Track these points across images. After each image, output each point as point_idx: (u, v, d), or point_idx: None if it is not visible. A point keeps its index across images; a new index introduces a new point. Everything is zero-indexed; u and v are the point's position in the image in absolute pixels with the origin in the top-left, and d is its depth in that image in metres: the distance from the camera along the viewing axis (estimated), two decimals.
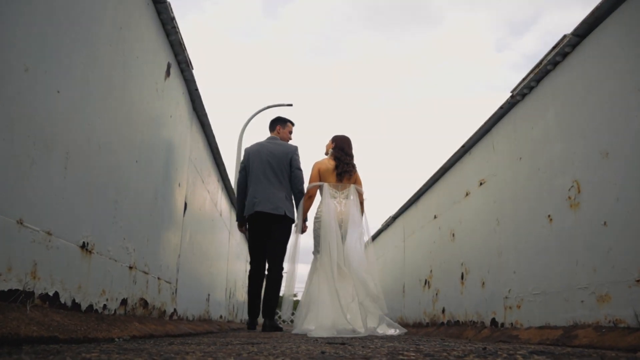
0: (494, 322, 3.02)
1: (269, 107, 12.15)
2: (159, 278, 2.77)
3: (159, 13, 2.53)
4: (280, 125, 4.47)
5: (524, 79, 2.74)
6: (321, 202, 4.07)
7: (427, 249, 4.79)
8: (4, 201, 1.26)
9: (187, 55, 2.96)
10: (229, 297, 6.57)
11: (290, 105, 12.14)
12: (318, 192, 4.12)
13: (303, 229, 4.20)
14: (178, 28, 2.71)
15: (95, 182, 1.83)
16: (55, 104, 1.50)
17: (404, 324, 5.24)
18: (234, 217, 4.83)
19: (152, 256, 2.60)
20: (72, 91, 1.61)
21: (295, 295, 4.46)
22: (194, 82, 3.26)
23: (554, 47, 2.43)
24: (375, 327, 3.54)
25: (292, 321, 4.17)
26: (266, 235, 4.15)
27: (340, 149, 4.16)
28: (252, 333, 3.55)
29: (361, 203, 4.13)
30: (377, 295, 3.68)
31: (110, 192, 1.99)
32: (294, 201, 4.25)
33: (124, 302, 2.17)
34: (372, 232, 7.55)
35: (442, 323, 4.07)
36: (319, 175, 4.09)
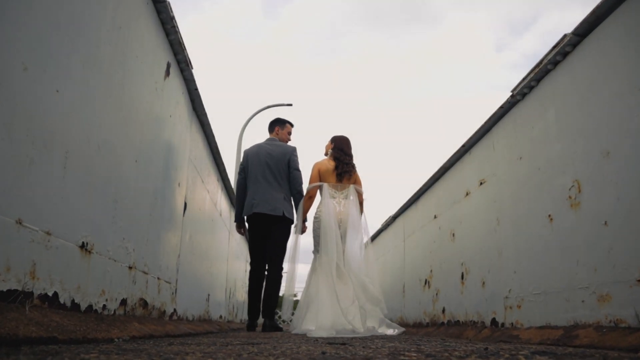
0: (494, 322, 3.01)
1: (268, 107, 12.15)
2: (158, 278, 2.76)
3: (158, 12, 2.52)
4: (278, 126, 4.48)
5: (524, 79, 2.74)
6: (320, 202, 4.08)
7: (427, 249, 4.79)
8: (2, 201, 1.25)
9: (187, 54, 2.96)
10: (229, 297, 6.57)
11: (290, 105, 12.14)
12: (318, 192, 4.12)
13: (303, 230, 4.21)
14: (178, 27, 2.70)
15: (94, 181, 1.82)
16: (55, 104, 1.50)
17: (404, 324, 5.24)
18: (233, 217, 4.83)
19: (151, 256, 2.60)
20: (71, 91, 1.60)
21: (295, 295, 4.46)
22: (194, 81, 3.25)
23: (554, 47, 2.42)
24: (374, 327, 3.54)
25: (291, 321, 4.16)
26: (266, 236, 4.16)
27: (340, 149, 4.17)
28: (252, 333, 3.54)
29: (360, 203, 4.13)
30: (377, 297, 3.68)
31: (109, 192, 1.99)
32: (292, 202, 4.25)
33: (123, 302, 2.17)
34: (372, 232, 7.55)
35: (443, 323, 4.06)
36: (319, 175, 4.10)
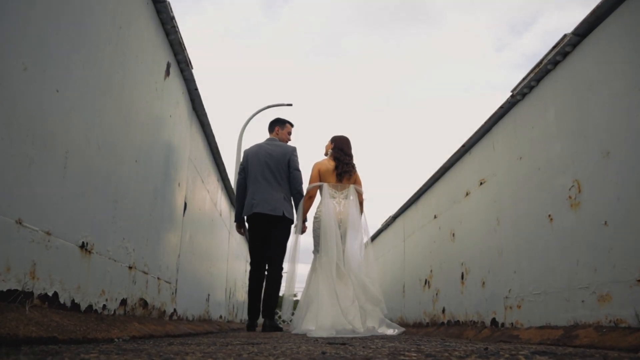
0: (494, 322, 3.01)
1: (268, 106, 12.15)
2: (158, 278, 2.76)
3: (158, 12, 2.52)
4: (278, 126, 4.48)
5: (524, 79, 2.74)
6: (320, 202, 4.09)
7: (427, 249, 4.79)
8: (2, 201, 1.25)
9: (187, 54, 2.96)
10: (229, 297, 6.57)
11: (290, 105, 12.14)
12: (318, 192, 4.13)
13: (303, 230, 4.21)
14: (177, 27, 2.70)
15: (94, 181, 1.82)
16: (55, 104, 1.50)
17: (404, 324, 5.24)
18: (233, 217, 4.84)
19: (151, 256, 2.60)
20: (71, 90, 1.60)
21: (295, 295, 4.46)
22: (194, 81, 3.25)
23: (554, 47, 2.42)
24: (374, 327, 3.54)
25: (291, 321, 4.16)
26: (266, 237, 4.16)
27: (340, 149, 4.17)
28: (252, 333, 3.54)
29: (360, 203, 4.13)
30: (377, 298, 3.68)
31: (109, 192, 1.99)
32: (293, 202, 4.25)
33: (123, 302, 2.16)
34: (372, 232, 7.55)
35: (442, 323, 4.06)
36: (319, 175, 4.10)
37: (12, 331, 1.12)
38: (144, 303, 2.49)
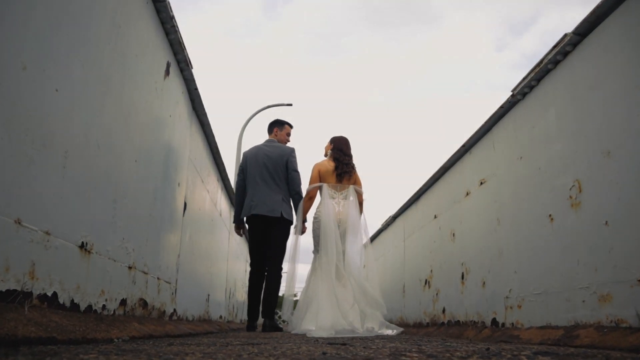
0: (494, 322, 3.01)
1: (268, 106, 12.14)
2: (158, 278, 2.76)
3: (158, 12, 2.52)
4: (277, 127, 4.49)
5: (524, 78, 2.73)
6: (320, 202, 4.09)
7: (427, 249, 4.79)
8: (1, 200, 1.25)
9: (187, 54, 2.95)
10: (229, 297, 6.57)
11: (290, 105, 12.14)
12: (318, 193, 4.13)
13: (302, 230, 4.21)
14: (177, 27, 2.70)
15: (94, 181, 1.82)
16: (54, 103, 1.49)
17: (404, 324, 5.23)
18: (233, 217, 4.84)
19: (151, 256, 2.59)
20: (70, 90, 1.60)
21: (295, 295, 4.46)
22: (194, 81, 3.25)
23: (554, 46, 2.42)
24: (373, 328, 3.54)
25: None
26: (265, 238, 4.17)
27: (339, 149, 4.18)
28: (252, 333, 3.54)
29: (360, 203, 4.14)
30: (377, 301, 3.67)
31: (109, 192, 1.98)
32: (292, 203, 4.26)
33: (123, 302, 2.16)
34: (372, 232, 7.55)
35: (443, 323, 4.06)
36: (319, 176, 4.10)
37: (11, 331, 1.11)
38: (144, 303, 2.48)
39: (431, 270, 4.62)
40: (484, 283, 3.27)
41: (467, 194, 3.71)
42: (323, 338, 2.76)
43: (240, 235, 4.64)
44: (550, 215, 2.46)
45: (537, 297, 2.53)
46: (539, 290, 2.52)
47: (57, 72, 1.50)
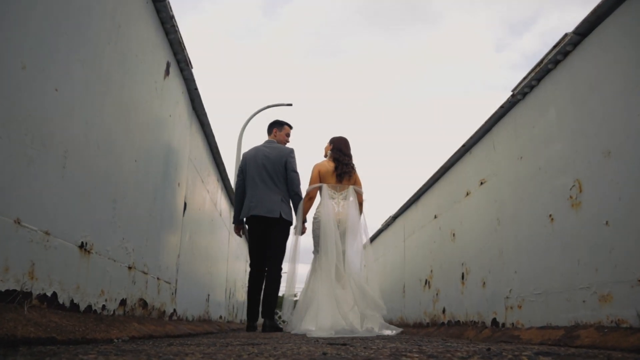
0: (494, 322, 3.01)
1: (268, 106, 12.14)
2: (158, 278, 2.75)
3: (158, 11, 2.52)
4: (277, 128, 4.49)
5: (524, 78, 2.73)
6: (320, 203, 4.09)
7: (427, 249, 4.78)
8: (1, 200, 1.24)
9: (187, 54, 2.95)
10: (229, 297, 6.56)
11: (290, 105, 12.14)
12: (318, 193, 4.13)
13: (302, 231, 4.21)
14: (177, 27, 2.69)
15: (93, 181, 1.81)
16: (54, 103, 1.49)
17: (404, 324, 5.23)
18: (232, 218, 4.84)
19: (151, 256, 2.59)
20: (70, 90, 1.59)
21: (295, 295, 4.46)
22: (194, 81, 3.25)
23: (555, 46, 2.41)
24: (373, 328, 3.53)
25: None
26: (264, 238, 4.17)
27: (339, 149, 4.18)
28: (252, 334, 3.54)
29: (360, 204, 4.14)
30: (377, 303, 3.67)
31: (109, 192, 1.98)
32: (291, 203, 4.26)
33: (123, 302, 2.16)
34: (372, 232, 7.54)
35: (443, 323, 4.06)
36: (319, 177, 4.10)
37: (10, 332, 1.11)
38: (144, 303, 2.48)
39: (431, 271, 4.62)
40: (484, 283, 3.27)
41: (467, 194, 3.71)
42: (323, 338, 2.75)
43: (240, 236, 4.65)
44: (550, 215, 2.45)
45: (537, 297, 2.53)
46: (539, 290, 2.51)
47: (56, 71, 1.50)
